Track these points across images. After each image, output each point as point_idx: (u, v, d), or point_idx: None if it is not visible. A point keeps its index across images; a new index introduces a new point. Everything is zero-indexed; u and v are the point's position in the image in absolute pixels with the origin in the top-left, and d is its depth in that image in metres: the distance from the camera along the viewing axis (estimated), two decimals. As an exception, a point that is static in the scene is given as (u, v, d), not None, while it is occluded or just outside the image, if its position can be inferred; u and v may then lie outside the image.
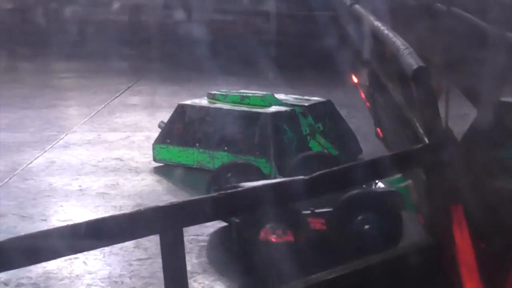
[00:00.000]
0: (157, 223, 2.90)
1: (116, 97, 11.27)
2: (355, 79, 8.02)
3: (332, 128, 7.92)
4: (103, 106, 10.66)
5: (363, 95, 7.67)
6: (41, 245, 2.70)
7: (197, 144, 7.74)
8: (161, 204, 3.00)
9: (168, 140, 7.92)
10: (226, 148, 7.58)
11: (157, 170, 7.82)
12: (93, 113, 10.23)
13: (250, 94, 8.07)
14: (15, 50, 14.86)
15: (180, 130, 7.93)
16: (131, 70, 13.25)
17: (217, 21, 14.95)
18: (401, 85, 5.11)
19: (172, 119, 8.08)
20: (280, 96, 8.17)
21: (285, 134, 7.55)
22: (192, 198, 3.04)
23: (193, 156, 7.75)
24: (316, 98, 8.30)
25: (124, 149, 8.60)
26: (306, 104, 7.89)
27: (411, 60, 4.11)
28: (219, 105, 7.95)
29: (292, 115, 7.70)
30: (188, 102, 8.16)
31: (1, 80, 12.63)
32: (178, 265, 2.88)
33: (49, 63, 14.05)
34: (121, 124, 9.73)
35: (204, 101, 8.12)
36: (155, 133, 9.22)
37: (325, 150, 7.56)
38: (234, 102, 7.97)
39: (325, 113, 8.00)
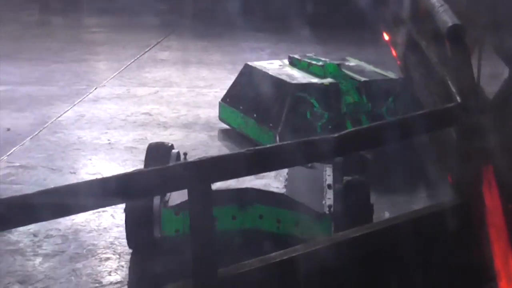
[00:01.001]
0: (186, 178, 2.87)
1: (146, 52, 11.23)
2: (386, 37, 7.92)
3: (393, 111, 6.85)
4: (132, 60, 10.63)
5: (394, 53, 7.57)
6: (70, 199, 2.68)
7: (241, 107, 7.40)
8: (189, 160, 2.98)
9: (228, 99, 7.62)
10: (255, 115, 7.14)
11: (185, 126, 7.80)
12: (123, 68, 10.21)
13: (320, 62, 7.35)
14: (48, 4, 14.84)
15: (238, 90, 7.64)
16: (162, 25, 13.18)
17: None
18: (435, 43, 5.03)
19: (237, 78, 7.81)
20: (352, 63, 7.60)
21: (310, 108, 6.79)
22: (222, 154, 3.01)
23: (237, 119, 7.41)
24: (390, 73, 7.31)
25: (153, 104, 8.57)
26: (363, 79, 7.01)
27: (446, 18, 4.03)
28: (276, 70, 7.41)
29: (325, 89, 6.89)
30: (254, 63, 7.78)
31: (33, 33, 12.65)
32: (206, 220, 2.86)
33: (80, 17, 14.02)
34: (150, 79, 9.70)
35: (272, 65, 7.66)
36: (184, 88, 9.24)
37: None
38: (302, 69, 7.41)
39: (388, 92, 6.96)
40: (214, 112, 7.96)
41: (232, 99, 7.56)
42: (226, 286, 2.89)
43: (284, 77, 7.11)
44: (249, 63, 7.78)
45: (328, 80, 6.99)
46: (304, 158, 3.49)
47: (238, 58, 10.70)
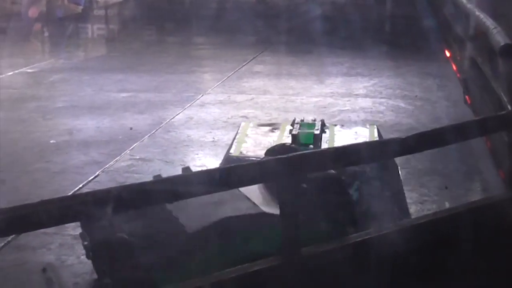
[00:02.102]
0: (278, 171, 2.85)
1: (244, 65, 11.27)
2: (447, 54, 7.76)
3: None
4: (232, 72, 10.68)
5: (454, 67, 7.42)
6: (181, 187, 2.69)
7: None
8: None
9: None
10: None
11: (276, 127, 7.79)
12: (224, 78, 10.26)
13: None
14: (163, 26, 15.06)
15: None
16: (258, 43, 13.22)
17: (334, 2, 14.79)
18: (489, 59, 4.91)
19: None
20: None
21: None
22: (312, 150, 2.98)
23: None
24: None
25: (249, 108, 8.59)
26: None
27: (499, 38, 3.95)
28: None
29: None
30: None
31: (152, 50, 12.85)
32: (293, 207, 2.83)
33: (190, 36, 14.17)
34: (248, 87, 9.73)
35: None
36: (276, 95, 9.23)
37: None
38: None
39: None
40: (300, 116, 7.90)
41: None
42: (309, 263, 2.86)
43: None
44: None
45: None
46: (376, 157, 3.44)
47: (321, 71, 10.67)
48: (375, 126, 5.29)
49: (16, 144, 7.06)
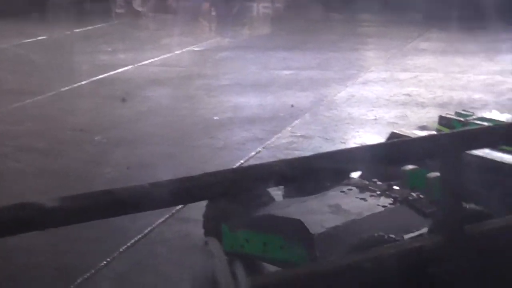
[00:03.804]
0: (440, 149, 2.76)
1: (409, 43, 11.03)
2: None
3: None
4: (397, 50, 10.48)
5: None
6: (342, 163, 2.64)
7: None
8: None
9: None
10: None
11: (440, 105, 7.55)
12: (388, 56, 10.09)
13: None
14: (329, 2, 14.99)
15: None
16: (424, 19, 12.88)
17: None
18: None
19: None
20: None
21: None
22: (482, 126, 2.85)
23: None
24: None
25: (413, 86, 8.40)
26: None
27: None
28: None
29: None
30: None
31: (316, 28, 12.86)
32: (455, 184, 2.73)
33: (355, 14, 14.04)
34: (412, 65, 9.51)
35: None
36: (441, 73, 8.97)
37: None
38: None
39: None
40: (467, 95, 7.68)
41: None
42: (472, 241, 2.75)
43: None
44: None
45: None
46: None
47: (491, 48, 10.26)
48: None
49: (183, 120, 7.31)
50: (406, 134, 4.26)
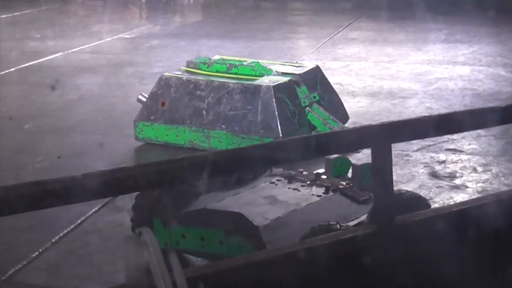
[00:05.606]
0: (370, 139, 2.82)
1: (339, 31, 11.15)
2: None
3: (324, 96, 6.18)
4: (328, 39, 10.58)
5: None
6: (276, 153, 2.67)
7: (188, 122, 5.90)
8: (373, 123, 2.92)
9: (153, 117, 6.03)
10: (224, 126, 5.79)
11: (370, 94, 7.69)
12: (319, 45, 10.19)
13: (237, 63, 6.17)
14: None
15: (166, 105, 6.01)
16: (354, 9, 13.05)
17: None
18: None
19: (155, 93, 6.11)
20: (265, 62, 6.44)
21: (287, 107, 5.76)
22: (401, 119, 2.94)
23: (184, 134, 5.91)
24: (304, 64, 6.62)
25: (344, 75, 8.51)
26: (298, 72, 6.09)
27: None
28: (210, 77, 6.00)
29: (290, 86, 5.87)
30: (172, 73, 6.16)
31: (247, 16, 12.87)
32: (386, 175, 2.80)
33: (286, 2, 14.11)
34: (342, 54, 9.63)
35: (187, 73, 6.17)
36: (371, 62, 9.10)
37: (326, 124, 5.89)
38: (219, 72, 6.10)
39: (316, 80, 6.21)
40: (396, 84, 7.82)
41: (163, 115, 6.01)
42: (401, 232, 2.82)
43: (252, 82, 5.85)
44: (165, 74, 6.19)
45: (287, 78, 5.94)
46: (475, 126, 3.34)
47: (419, 37, 10.46)
48: None
49: (115, 108, 7.24)
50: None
